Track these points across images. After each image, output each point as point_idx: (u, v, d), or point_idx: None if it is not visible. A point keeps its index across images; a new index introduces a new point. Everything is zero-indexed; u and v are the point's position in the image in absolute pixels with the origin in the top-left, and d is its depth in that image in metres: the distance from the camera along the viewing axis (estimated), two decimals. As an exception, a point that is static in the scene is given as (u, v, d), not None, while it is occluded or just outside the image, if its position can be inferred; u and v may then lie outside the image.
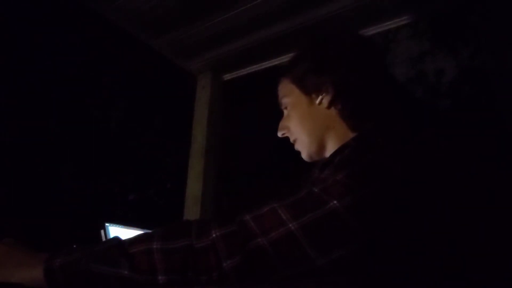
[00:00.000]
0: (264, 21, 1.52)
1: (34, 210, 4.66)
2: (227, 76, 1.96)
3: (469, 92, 4.92)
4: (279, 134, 0.81)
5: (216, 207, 1.77)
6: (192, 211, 1.70)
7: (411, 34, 5.20)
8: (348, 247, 0.47)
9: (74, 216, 4.93)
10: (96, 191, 5.74)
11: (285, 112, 0.81)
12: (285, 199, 0.52)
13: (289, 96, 0.78)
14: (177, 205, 1.93)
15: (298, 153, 0.80)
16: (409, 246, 0.48)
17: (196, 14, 1.51)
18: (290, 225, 0.48)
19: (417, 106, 1.06)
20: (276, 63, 1.76)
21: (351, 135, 0.70)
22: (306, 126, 0.76)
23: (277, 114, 0.84)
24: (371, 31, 1.50)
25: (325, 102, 0.72)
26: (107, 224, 1.34)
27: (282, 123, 0.81)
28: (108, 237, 1.30)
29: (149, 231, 0.54)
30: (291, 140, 0.80)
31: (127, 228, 1.45)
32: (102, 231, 1.32)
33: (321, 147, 0.74)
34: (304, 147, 0.77)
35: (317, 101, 0.73)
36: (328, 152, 0.73)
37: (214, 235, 0.50)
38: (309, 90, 0.75)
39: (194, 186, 1.74)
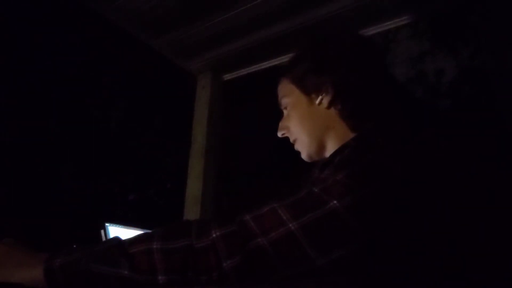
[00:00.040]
0: (264, 21, 1.52)
1: (34, 210, 4.65)
2: (227, 76, 1.96)
3: (469, 92, 4.91)
4: (279, 134, 0.81)
5: (216, 207, 1.77)
6: (192, 211, 1.70)
7: (411, 34, 5.20)
8: (348, 247, 0.47)
9: (74, 216, 4.93)
10: (96, 191, 5.74)
11: (285, 112, 0.81)
12: (285, 199, 0.52)
13: (289, 96, 0.78)
14: (177, 205, 1.93)
15: (298, 153, 0.80)
16: (409, 246, 0.48)
17: (196, 14, 1.51)
18: (290, 225, 0.48)
19: (417, 106, 1.06)
20: (276, 63, 1.76)
21: (351, 135, 0.70)
22: (306, 126, 0.76)
23: (277, 114, 0.84)
24: (371, 31, 1.50)
25: (325, 102, 0.72)
26: (107, 224, 1.34)
27: (282, 123, 0.81)
28: (108, 237, 1.30)
29: (149, 231, 0.54)
30: (291, 140, 0.80)
31: (127, 228, 1.45)
32: (102, 231, 1.32)
33: (321, 147, 0.74)
34: (304, 147, 0.77)
35: (317, 101, 0.73)
36: (328, 152, 0.73)
37: (214, 235, 0.50)
38: (309, 90, 0.75)
39: (194, 186, 1.74)
